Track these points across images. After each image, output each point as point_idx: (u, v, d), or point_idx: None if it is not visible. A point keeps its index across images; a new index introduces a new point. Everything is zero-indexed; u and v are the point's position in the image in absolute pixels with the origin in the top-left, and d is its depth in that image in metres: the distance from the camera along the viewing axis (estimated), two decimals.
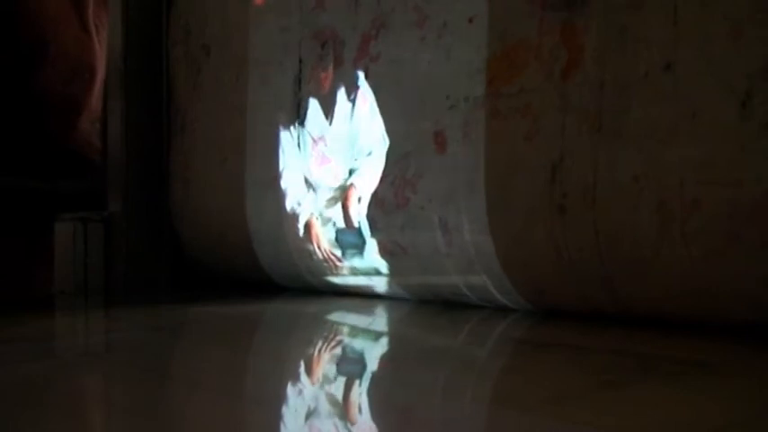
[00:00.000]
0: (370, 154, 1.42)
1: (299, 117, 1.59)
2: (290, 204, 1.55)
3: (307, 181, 1.51)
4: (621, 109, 1.08)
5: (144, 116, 1.91)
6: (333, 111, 1.49)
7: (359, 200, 1.42)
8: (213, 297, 1.73)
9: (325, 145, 1.51)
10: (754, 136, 0.97)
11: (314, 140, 1.52)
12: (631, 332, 1.13)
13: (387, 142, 1.38)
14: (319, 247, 1.49)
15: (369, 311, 1.45)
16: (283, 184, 1.55)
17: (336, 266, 1.46)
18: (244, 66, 1.70)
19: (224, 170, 1.78)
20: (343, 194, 1.44)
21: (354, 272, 1.47)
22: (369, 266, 1.45)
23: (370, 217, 1.45)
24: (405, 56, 1.38)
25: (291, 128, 1.53)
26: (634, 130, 1.07)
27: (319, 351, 1.13)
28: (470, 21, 1.26)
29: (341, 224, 1.45)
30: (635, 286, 1.14)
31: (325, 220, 1.47)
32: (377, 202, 1.45)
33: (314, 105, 1.51)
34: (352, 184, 1.43)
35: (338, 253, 1.46)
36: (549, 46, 1.15)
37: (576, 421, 0.68)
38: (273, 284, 1.75)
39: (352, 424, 0.71)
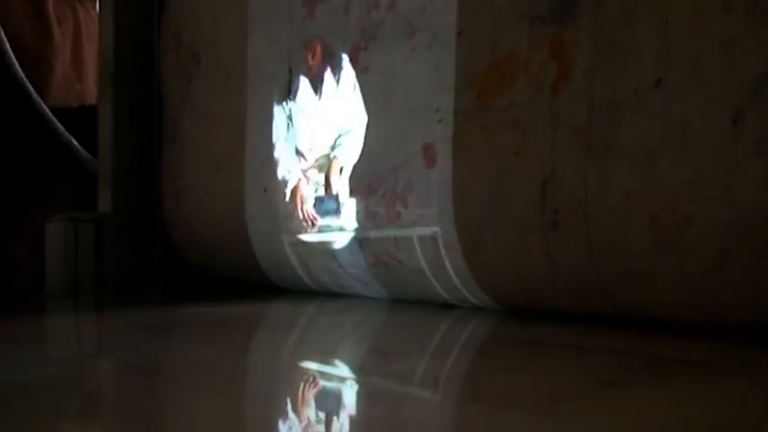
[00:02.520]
0: (349, 132, 1.48)
1: (289, 127, 1.59)
2: (281, 173, 1.60)
3: (297, 151, 1.59)
4: (612, 125, 1.07)
5: (135, 116, 1.91)
6: (321, 87, 1.52)
7: (341, 170, 1.50)
8: (207, 298, 1.74)
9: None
10: (747, 154, 0.96)
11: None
12: (630, 332, 1.13)
13: (365, 119, 1.43)
14: (302, 209, 1.56)
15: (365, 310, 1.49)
16: (276, 155, 1.61)
17: (312, 225, 1.55)
18: (233, 75, 1.70)
19: (215, 180, 1.78)
20: (327, 164, 1.52)
21: (328, 229, 1.53)
22: (342, 227, 1.51)
23: (362, 231, 1.46)
24: (394, 67, 1.37)
25: (284, 104, 1.60)
26: (625, 146, 1.07)
27: (314, 350, 1.14)
28: (460, 33, 1.26)
29: (321, 192, 1.55)
30: (633, 296, 1.14)
31: (312, 183, 1.59)
32: (368, 215, 1.45)
33: (304, 82, 1.56)
34: (335, 156, 1.51)
35: (317, 214, 1.56)
36: (538, 60, 1.14)
37: (576, 421, 0.68)
38: (272, 286, 1.76)
39: (342, 422, 0.72)
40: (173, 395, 0.83)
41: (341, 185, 1.49)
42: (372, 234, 1.45)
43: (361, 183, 1.45)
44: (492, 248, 1.27)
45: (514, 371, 0.94)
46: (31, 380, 0.87)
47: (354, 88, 1.45)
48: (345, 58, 1.47)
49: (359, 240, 1.48)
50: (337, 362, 1.06)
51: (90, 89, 2.27)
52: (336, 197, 1.49)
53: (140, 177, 1.93)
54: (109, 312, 1.64)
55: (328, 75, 1.50)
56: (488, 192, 1.24)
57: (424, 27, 1.32)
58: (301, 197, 1.57)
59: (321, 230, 1.54)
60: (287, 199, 1.59)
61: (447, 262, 1.35)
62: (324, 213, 1.52)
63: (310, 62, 1.53)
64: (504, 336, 1.24)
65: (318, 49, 1.52)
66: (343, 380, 0.93)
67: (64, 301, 1.76)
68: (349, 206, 1.48)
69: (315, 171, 1.55)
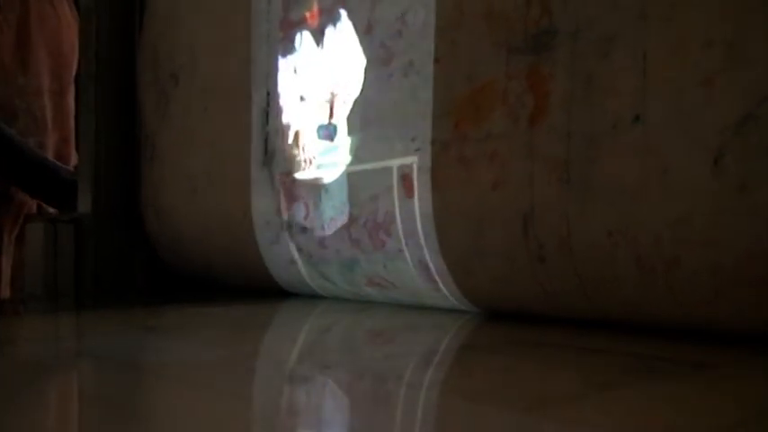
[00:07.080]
0: (349, 72, 1.48)
1: (266, 152, 1.59)
2: (285, 119, 1.62)
3: (301, 98, 1.60)
4: (590, 161, 1.06)
5: (116, 115, 1.93)
6: (322, 40, 1.53)
7: (343, 102, 1.50)
8: (191, 299, 1.75)
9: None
10: (729, 195, 0.94)
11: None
12: (626, 333, 1.12)
13: (364, 61, 1.42)
14: (304, 150, 1.58)
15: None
16: (281, 102, 1.63)
17: (310, 163, 1.57)
18: (211, 97, 1.69)
19: (194, 202, 1.78)
20: (330, 99, 1.53)
21: (323, 166, 1.54)
22: (337, 163, 1.51)
23: (352, 254, 1.46)
24: (370, 93, 1.36)
25: (289, 56, 1.61)
26: (604, 184, 1.05)
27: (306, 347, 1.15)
28: (437, 61, 1.24)
29: (324, 122, 1.55)
30: (629, 319, 1.14)
31: (313, 130, 1.60)
32: (353, 243, 1.44)
33: (307, 36, 1.57)
34: (337, 93, 1.52)
35: (315, 154, 1.57)
36: (515, 91, 1.13)
37: (574, 422, 0.68)
38: (269, 290, 1.77)
39: (334, 419, 0.72)
40: (164, 394, 0.84)
41: (341, 116, 1.48)
42: (361, 259, 1.45)
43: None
44: (483, 276, 1.27)
45: (505, 370, 0.93)
46: (12, 382, 0.88)
47: (354, 41, 1.45)
48: (344, 12, 1.46)
49: (350, 264, 1.48)
50: (334, 360, 1.06)
51: (39, 84, 2.24)
52: (335, 126, 1.49)
53: (121, 177, 1.94)
54: (89, 313, 1.65)
55: (329, 29, 1.50)
56: (470, 225, 1.24)
57: (401, 53, 1.30)
58: (303, 143, 1.57)
59: (318, 167, 1.55)
60: (290, 141, 1.59)
61: (441, 285, 1.35)
62: (323, 138, 1.53)
63: (310, 18, 1.54)
64: (493, 335, 1.24)
65: (316, 7, 1.51)
66: (337, 377, 0.93)
67: (43, 303, 1.78)
68: (345, 142, 1.48)
69: (318, 111, 1.57)
